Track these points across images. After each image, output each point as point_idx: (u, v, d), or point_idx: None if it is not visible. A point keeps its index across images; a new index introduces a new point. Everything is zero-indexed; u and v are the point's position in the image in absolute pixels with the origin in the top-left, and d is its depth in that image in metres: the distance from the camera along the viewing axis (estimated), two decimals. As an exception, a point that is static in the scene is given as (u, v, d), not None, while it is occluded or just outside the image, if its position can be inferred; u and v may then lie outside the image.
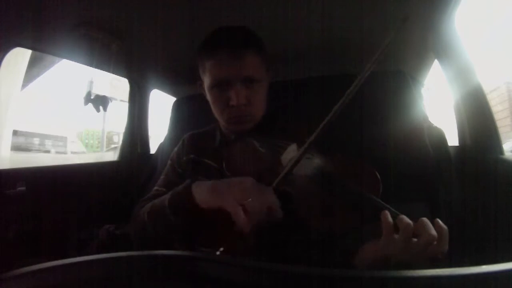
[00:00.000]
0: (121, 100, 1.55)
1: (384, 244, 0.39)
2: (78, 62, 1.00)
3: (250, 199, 0.42)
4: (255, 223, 0.41)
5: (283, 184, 0.46)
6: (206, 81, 0.60)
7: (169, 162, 0.70)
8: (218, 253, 0.42)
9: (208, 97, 0.62)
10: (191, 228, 0.51)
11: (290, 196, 0.47)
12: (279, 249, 0.54)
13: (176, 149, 0.70)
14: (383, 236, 0.39)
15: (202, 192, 0.47)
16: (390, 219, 0.38)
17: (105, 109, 1.15)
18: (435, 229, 0.37)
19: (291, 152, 0.53)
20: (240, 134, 0.61)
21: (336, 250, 0.49)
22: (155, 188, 0.67)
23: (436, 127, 0.84)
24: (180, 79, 1.21)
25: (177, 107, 1.07)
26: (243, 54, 0.55)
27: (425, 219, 0.37)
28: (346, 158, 0.52)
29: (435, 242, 0.36)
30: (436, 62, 0.90)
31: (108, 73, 1.10)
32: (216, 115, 0.63)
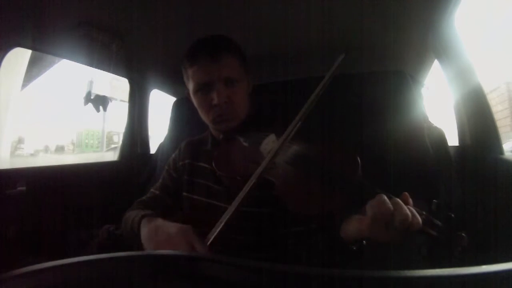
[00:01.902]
0: (121, 100, 1.55)
1: (368, 225, 0.40)
2: (78, 62, 1.00)
3: None
4: None
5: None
6: (190, 87, 0.65)
7: (165, 167, 0.74)
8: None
9: (194, 102, 0.66)
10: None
11: (272, 184, 0.48)
12: (268, 237, 0.56)
13: (173, 155, 0.75)
14: (370, 220, 0.39)
15: (144, 234, 0.52)
16: (386, 206, 0.39)
17: (105, 109, 1.15)
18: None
19: (269, 142, 0.55)
20: (227, 133, 0.65)
21: (320, 230, 0.50)
22: (152, 190, 0.73)
23: (436, 127, 0.84)
24: (180, 79, 1.20)
25: (177, 107, 1.07)
26: (221, 57, 0.60)
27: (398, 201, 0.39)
28: (326, 142, 0.53)
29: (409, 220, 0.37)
30: (436, 62, 0.90)
31: (108, 73, 1.10)
32: (203, 118, 0.67)
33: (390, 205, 0.38)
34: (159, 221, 0.53)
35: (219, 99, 0.59)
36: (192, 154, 0.71)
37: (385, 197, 0.39)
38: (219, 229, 0.42)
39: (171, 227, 0.49)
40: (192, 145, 0.74)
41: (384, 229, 0.38)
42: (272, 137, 0.56)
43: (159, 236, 0.49)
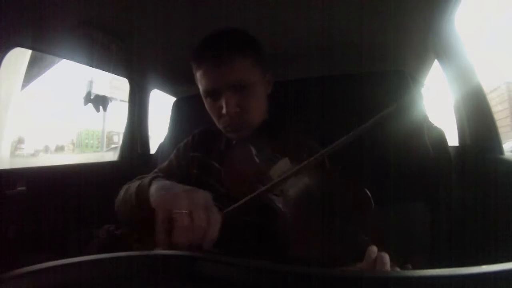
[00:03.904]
0: (121, 100, 1.55)
1: None
2: (78, 62, 1.00)
3: (187, 212, 0.37)
4: (182, 241, 0.36)
5: (241, 212, 0.43)
6: (200, 89, 0.60)
7: (175, 151, 0.69)
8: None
9: (205, 105, 0.62)
10: (148, 221, 0.47)
11: (276, 214, 0.45)
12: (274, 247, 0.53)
13: (185, 141, 0.70)
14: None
15: (154, 191, 0.44)
16: (372, 257, 0.36)
17: (105, 109, 1.15)
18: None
19: (282, 166, 0.51)
20: (239, 140, 0.60)
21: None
22: (156, 170, 0.68)
23: (436, 127, 0.84)
24: (180, 79, 1.21)
25: (177, 107, 1.07)
26: (228, 59, 0.53)
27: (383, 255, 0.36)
28: (339, 175, 0.49)
29: None
30: (436, 62, 0.90)
31: (108, 73, 1.10)
32: (216, 123, 0.63)
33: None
34: (176, 183, 0.46)
35: (227, 108, 0.54)
36: (204, 148, 0.66)
37: (387, 259, 0.35)
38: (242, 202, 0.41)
39: (189, 187, 0.43)
40: (206, 137, 0.68)
41: None
42: (285, 161, 0.52)
43: (174, 190, 0.41)
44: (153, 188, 0.45)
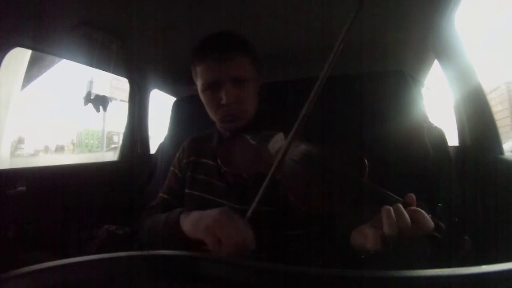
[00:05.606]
0: (121, 100, 1.55)
1: (382, 239, 0.39)
2: (78, 62, 1.00)
3: (226, 232, 0.44)
4: (232, 252, 0.42)
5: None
6: (199, 84, 0.64)
7: (171, 168, 0.73)
8: None
9: (202, 99, 0.65)
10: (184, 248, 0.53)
11: (279, 182, 0.48)
12: (270, 237, 0.55)
13: (177, 154, 0.73)
14: (385, 228, 0.38)
15: (188, 225, 0.50)
16: (392, 214, 0.38)
17: (105, 109, 1.15)
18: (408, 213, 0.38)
19: (278, 141, 0.55)
20: (234, 131, 0.64)
21: (321, 233, 0.50)
22: (160, 194, 0.71)
23: (436, 127, 0.84)
24: (180, 79, 1.21)
25: (177, 107, 1.07)
26: (229, 56, 0.59)
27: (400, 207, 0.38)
28: (334, 143, 0.53)
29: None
30: (436, 62, 0.90)
31: (108, 73, 1.10)
32: (211, 116, 0.66)
33: (407, 218, 0.37)
34: (197, 212, 0.52)
35: (227, 99, 0.59)
36: (196, 151, 0.69)
37: (402, 208, 0.38)
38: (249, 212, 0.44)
39: (212, 211, 0.48)
40: (196, 142, 0.72)
41: (397, 241, 0.38)
42: (280, 136, 0.55)
43: (205, 220, 0.47)
44: (185, 223, 0.51)
